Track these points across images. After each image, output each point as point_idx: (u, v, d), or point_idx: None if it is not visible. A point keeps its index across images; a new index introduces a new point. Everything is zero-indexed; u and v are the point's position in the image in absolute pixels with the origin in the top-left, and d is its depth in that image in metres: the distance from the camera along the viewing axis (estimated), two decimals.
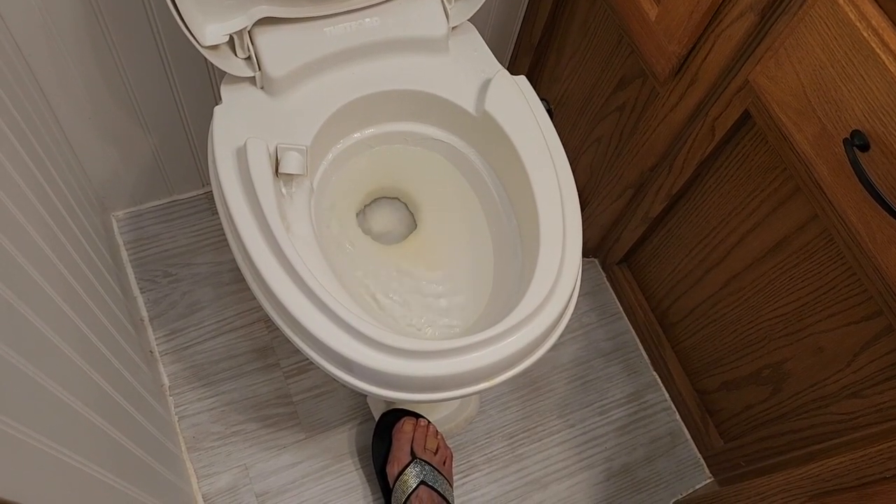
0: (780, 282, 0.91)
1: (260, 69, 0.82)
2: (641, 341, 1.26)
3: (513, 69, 1.29)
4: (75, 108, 0.97)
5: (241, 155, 0.79)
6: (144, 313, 1.15)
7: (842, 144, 0.71)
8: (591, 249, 1.30)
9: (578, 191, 1.24)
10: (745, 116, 0.86)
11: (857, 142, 0.68)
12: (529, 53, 1.22)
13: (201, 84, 1.03)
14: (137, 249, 1.20)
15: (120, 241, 1.20)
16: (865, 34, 0.65)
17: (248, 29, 0.80)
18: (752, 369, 1.02)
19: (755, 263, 0.94)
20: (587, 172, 1.21)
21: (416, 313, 0.87)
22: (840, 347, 0.85)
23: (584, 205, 1.24)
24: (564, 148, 0.88)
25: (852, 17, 0.66)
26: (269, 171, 0.78)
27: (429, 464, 1.03)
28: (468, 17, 0.90)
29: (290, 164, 0.81)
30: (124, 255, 1.19)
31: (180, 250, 1.21)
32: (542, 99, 1.28)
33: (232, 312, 1.18)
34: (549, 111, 1.27)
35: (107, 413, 0.70)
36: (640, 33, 0.92)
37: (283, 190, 0.83)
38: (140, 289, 1.17)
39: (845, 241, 0.77)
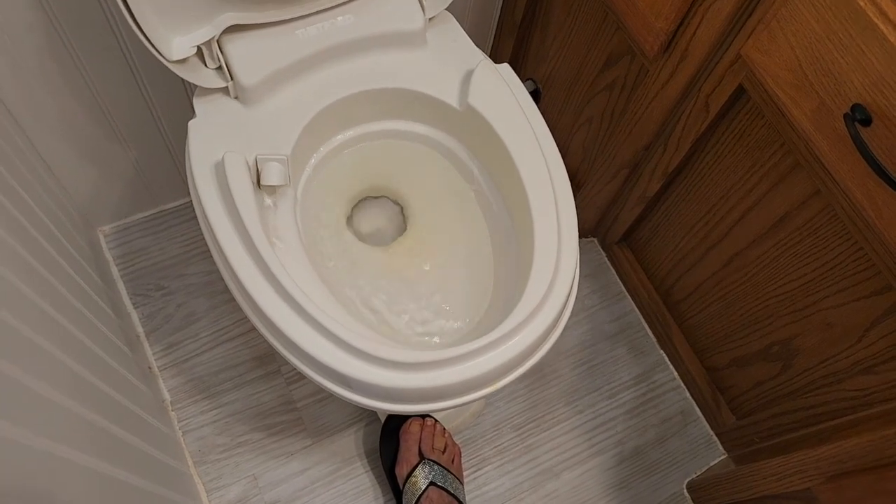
0: (785, 258, 0.89)
1: (232, 79, 0.79)
2: (646, 320, 1.24)
3: (496, 50, 1.25)
4: (47, 128, 0.94)
5: (220, 171, 0.76)
6: (140, 329, 1.13)
7: (842, 119, 0.68)
8: (589, 229, 1.27)
9: (572, 172, 1.22)
10: (740, 91, 0.82)
11: (859, 116, 0.65)
12: (513, 33, 1.18)
13: (177, 92, 0.99)
14: (127, 264, 1.17)
15: (109, 256, 1.17)
16: (862, 3, 0.62)
17: (217, 38, 0.77)
18: (761, 346, 1.00)
19: (758, 240, 0.92)
20: (580, 153, 1.18)
21: (415, 317, 0.85)
22: (849, 323, 0.83)
23: (579, 186, 1.21)
24: (555, 128, 0.85)
25: None
26: (249, 186, 0.75)
27: (437, 463, 1.01)
28: (445, 7, 0.86)
29: (272, 176, 0.78)
30: (114, 270, 1.16)
31: (171, 261, 1.19)
32: (528, 79, 1.25)
33: (228, 321, 1.16)
34: (536, 91, 1.24)
35: (104, 451, 0.68)
36: (625, 10, 0.88)
37: (267, 201, 0.80)
38: (133, 304, 1.15)
39: (850, 217, 0.74)
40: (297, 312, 0.72)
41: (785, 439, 0.98)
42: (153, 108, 1.00)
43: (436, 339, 0.85)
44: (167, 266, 1.18)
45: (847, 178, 0.71)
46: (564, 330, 1.21)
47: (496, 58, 1.26)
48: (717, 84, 0.84)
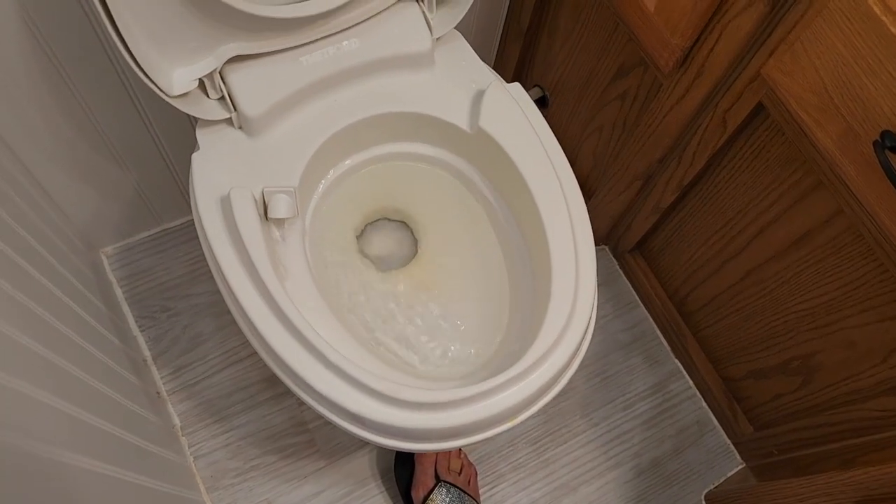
0: (806, 275, 0.86)
1: (235, 109, 0.77)
2: (660, 329, 1.22)
3: (502, 56, 1.22)
4: (45, 155, 0.92)
5: (226, 206, 0.74)
6: (147, 353, 1.11)
7: (871, 146, 0.65)
8: (600, 238, 1.25)
9: (582, 179, 1.19)
10: (759, 108, 0.80)
11: (889, 143, 0.63)
12: (519, 39, 1.15)
13: (177, 114, 0.96)
14: (132, 285, 1.15)
15: (112, 278, 1.15)
16: (893, 29, 0.59)
17: (219, 69, 0.74)
18: (780, 360, 0.98)
19: (777, 256, 0.89)
20: (590, 161, 1.15)
21: (429, 344, 0.83)
22: (874, 343, 0.81)
23: (590, 194, 1.19)
24: (564, 135, 0.82)
25: (877, 10, 0.60)
26: (257, 222, 0.73)
27: (454, 486, 1.00)
28: (453, 26, 0.83)
29: (280, 209, 0.76)
30: (119, 293, 1.14)
31: (176, 281, 1.17)
32: (535, 85, 1.22)
33: (236, 342, 1.14)
34: (543, 98, 1.21)
35: (113, 496, 0.67)
36: (638, 25, 0.85)
37: (275, 233, 0.78)
38: (139, 327, 1.13)
39: (876, 240, 0.72)
40: (306, 348, 0.70)
41: (806, 454, 0.96)
42: (152, 130, 0.98)
43: (451, 367, 0.83)
44: (172, 286, 1.16)
45: (875, 204, 0.68)
46: None
47: (502, 63, 1.23)
48: (735, 101, 0.81)
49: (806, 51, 0.68)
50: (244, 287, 0.71)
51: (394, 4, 0.79)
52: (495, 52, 1.23)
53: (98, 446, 0.69)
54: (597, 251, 1.25)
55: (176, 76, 0.72)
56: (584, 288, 0.75)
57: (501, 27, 1.18)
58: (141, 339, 1.12)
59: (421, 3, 0.81)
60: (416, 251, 0.90)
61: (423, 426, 0.69)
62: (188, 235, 1.19)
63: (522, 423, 1.13)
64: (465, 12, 0.82)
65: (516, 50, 1.17)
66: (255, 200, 0.75)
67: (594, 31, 1.00)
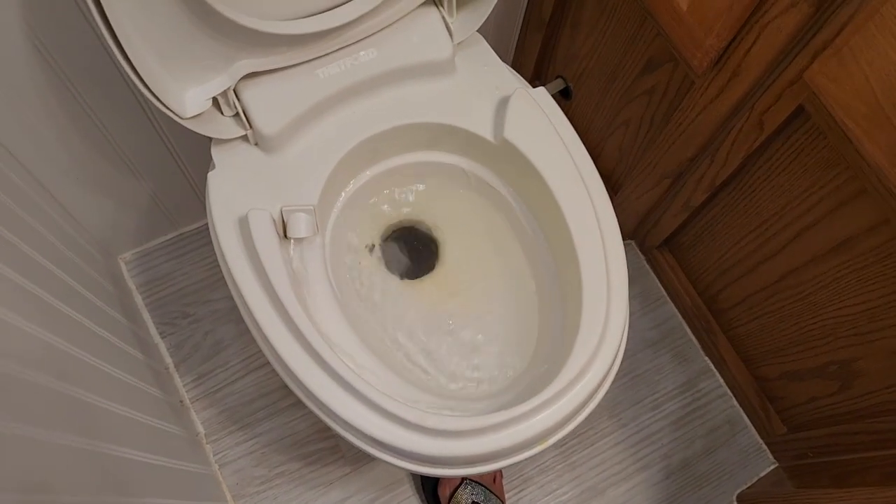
0: (847, 281, 0.83)
1: (251, 127, 0.74)
2: (690, 326, 1.19)
3: (522, 46, 1.18)
4: (59, 171, 0.90)
5: (245, 228, 0.71)
6: (168, 360, 1.10)
7: None
8: (627, 233, 1.21)
9: (607, 174, 1.15)
10: (799, 110, 0.76)
11: None
12: (540, 30, 1.11)
13: None
14: (151, 292, 1.14)
15: (132, 285, 1.14)
16: None
17: (233, 87, 0.71)
18: (817, 364, 0.95)
19: (816, 260, 0.86)
20: (616, 155, 1.12)
21: (455, 362, 0.81)
22: None
23: (615, 189, 1.15)
24: (588, 129, 0.79)
25: None
26: (276, 245, 0.70)
27: (480, 484, 0.99)
28: (475, 30, 0.79)
29: (299, 228, 0.73)
30: (138, 300, 1.13)
31: (195, 287, 1.15)
32: (558, 77, 1.18)
33: (257, 348, 1.12)
34: (566, 90, 1.17)
35: None
36: (670, 24, 0.81)
37: (295, 251, 0.76)
38: (160, 334, 1.12)
39: None
40: (328, 373, 0.68)
41: (844, 459, 0.94)
42: (165, 138, 0.95)
43: (480, 385, 0.81)
44: (192, 292, 1.15)
45: None
46: None
47: (522, 55, 1.19)
48: (774, 102, 0.77)
49: (854, 56, 0.63)
50: (265, 311, 0.69)
51: (412, 11, 0.76)
52: (514, 44, 1.19)
53: (132, 479, 0.68)
54: (623, 245, 1.22)
55: (189, 97, 0.69)
56: (615, 313, 0.72)
57: (521, 18, 1.13)
58: (162, 347, 1.11)
59: (440, 8, 0.78)
60: (440, 262, 0.87)
61: (452, 453, 0.67)
62: (205, 239, 1.17)
63: None
64: (487, 15, 0.78)
65: (537, 41, 1.13)
66: (274, 220, 0.72)
67: (621, 23, 0.95)
